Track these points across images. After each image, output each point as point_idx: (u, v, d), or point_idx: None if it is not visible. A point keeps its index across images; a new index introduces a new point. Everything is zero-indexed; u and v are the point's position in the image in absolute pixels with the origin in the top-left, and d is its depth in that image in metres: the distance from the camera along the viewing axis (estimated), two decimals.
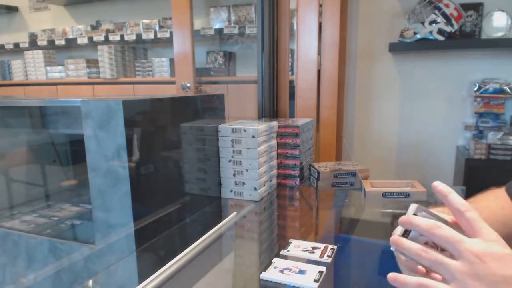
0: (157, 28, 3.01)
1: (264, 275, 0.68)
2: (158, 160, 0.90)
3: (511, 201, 0.65)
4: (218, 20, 2.85)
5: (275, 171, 1.25)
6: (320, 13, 1.80)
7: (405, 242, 0.48)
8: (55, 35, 3.44)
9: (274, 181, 1.25)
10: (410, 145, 2.33)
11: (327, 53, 1.83)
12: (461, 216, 0.47)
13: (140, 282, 0.66)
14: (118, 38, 3.07)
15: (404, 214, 0.51)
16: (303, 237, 0.89)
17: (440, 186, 0.49)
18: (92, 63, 3.26)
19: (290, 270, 0.70)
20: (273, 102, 1.76)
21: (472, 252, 0.43)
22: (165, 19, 3.05)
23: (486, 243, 0.44)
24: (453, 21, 1.96)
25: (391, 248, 0.50)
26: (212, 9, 2.87)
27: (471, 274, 0.42)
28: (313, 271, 0.69)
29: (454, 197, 0.48)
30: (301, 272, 0.69)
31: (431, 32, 2.01)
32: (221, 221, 0.95)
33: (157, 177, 0.90)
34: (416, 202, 0.52)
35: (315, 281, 0.65)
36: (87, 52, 3.45)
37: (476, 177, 1.96)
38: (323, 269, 0.69)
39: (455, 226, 0.47)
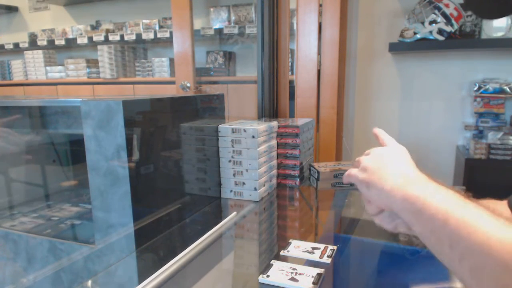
0: (157, 28, 3.01)
1: (262, 278, 0.68)
2: (158, 160, 0.90)
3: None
4: (218, 20, 2.85)
5: (275, 171, 1.25)
6: (320, 13, 1.80)
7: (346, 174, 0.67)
8: (55, 35, 3.44)
9: (274, 181, 1.25)
10: (410, 145, 2.31)
11: (327, 53, 1.83)
12: (379, 140, 0.67)
13: (140, 282, 0.66)
14: (118, 38, 3.07)
15: None
16: (303, 238, 0.89)
17: (376, 130, 0.69)
18: (92, 63, 3.26)
19: (289, 272, 0.70)
20: (273, 102, 1.76)
21: (376, 149, 0.63)
22: (165, 19, 3.05)
23: (387, 147, 0.64)
24: (453, 21, 1.96)
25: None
26: (212, 9, 2.87)
27: (369, 157, 0.62)
28: (312, 273, 0.69)
29: (381, 134, 0.68)
30: (300, 274, 0.69)
31: (431, 32, 2.01)
32: (221, 221, 0.95)
33: (157, 177, 0.90)
34: None
35: (314, 283, 0.65)
36: (87, 52, 3.45)
37: (476, 177, 1.96)
38: (322, 271, 0.69)
39: None
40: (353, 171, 0.64)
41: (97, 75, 3.18)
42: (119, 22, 3.22)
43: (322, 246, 0.81)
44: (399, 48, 2.13)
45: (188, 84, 2.42)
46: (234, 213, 1.01)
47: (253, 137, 1.07)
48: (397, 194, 0.53)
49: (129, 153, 0.80)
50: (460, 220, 0.44)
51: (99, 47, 3.09)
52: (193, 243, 0.81)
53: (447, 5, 1.97)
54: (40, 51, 3.40)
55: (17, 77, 3.64)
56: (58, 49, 3.50)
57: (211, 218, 1.05)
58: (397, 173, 0.56)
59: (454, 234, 0.44)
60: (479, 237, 0.41)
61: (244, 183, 1.11)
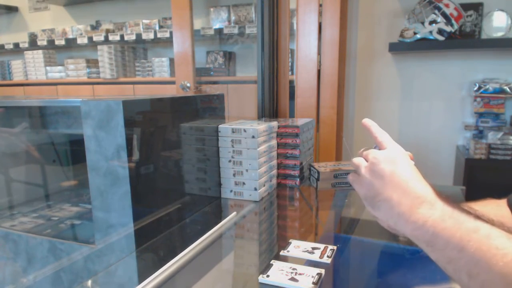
0: (157, 28, 3.01)
1: (262, 278, 0.68)
2: (158, 160, 0.90)
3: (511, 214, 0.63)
4: (218, 20, 2.85)
5: (275, 171, 1.25)
6: (320, 13, 1.80)
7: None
8: (55, 35, 3.44)
9: (274, 181, 1.25)
10: (410, 145, 2.32)
11: (327, 53, 1.83)
12: (377, 140, 0.62)
13: (140, 282, 0.66)
14: (118, 38, 3.07)
15: None
16: (303, 238, 0.89)
17: (366, 121, 0.67)
18: (92, 63, 3.26)
19: (289, 272, 0.70)
20: (273, 102, 1.76)
21: (374, 156, 0.58)
22: (165, 19, 3.05)
23: (386, 151, 0.59)
24: (453, 21, 1.96)
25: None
26: (212, 9, 2.87)
27: (368, 169, 0.58)
28: (312, 273, 0.69)
29: (374, 128, 0.65)
30: (300, 274, 0.69)
31: (431, 32, 2.01)
32: (221, 221, 0.95)
33: (157, 177, 0.90)
34: None
35: (314, 283, 0.65)
36: (87, 52, 3.45)
37: (476, 177, 1.96)
38: (322, 271, 0.69)
39: None
40: (356, 182, 0.61)
41: (97, 75, 3.18)
42: (119, 22, 3.22)
43: (322, 246, 0.81)
44: (399, 48, 2.14)
45: (188, 84, 2.42)
46: (234, 213, 1.01)
47: (253, 137, 1.07)
48: (406, 221, 0.51)
49: (129, 153, 0.80)
50: (476, 247, 0.43)
51: (99, 47, 3.09)
52: (193, 243, 0.81)
53: (447, 5, 1.97)
54: (40, 51, 3.40)
55: (17, 77, 3.64)
56: (58, 49, 3.50)
57: (211, 218, 1.05)
58: (402, 191, 0.53)
59: (471, 263, 0.43)
60: (499, 265, 0.40)
61: (244, 183, 1.12)
